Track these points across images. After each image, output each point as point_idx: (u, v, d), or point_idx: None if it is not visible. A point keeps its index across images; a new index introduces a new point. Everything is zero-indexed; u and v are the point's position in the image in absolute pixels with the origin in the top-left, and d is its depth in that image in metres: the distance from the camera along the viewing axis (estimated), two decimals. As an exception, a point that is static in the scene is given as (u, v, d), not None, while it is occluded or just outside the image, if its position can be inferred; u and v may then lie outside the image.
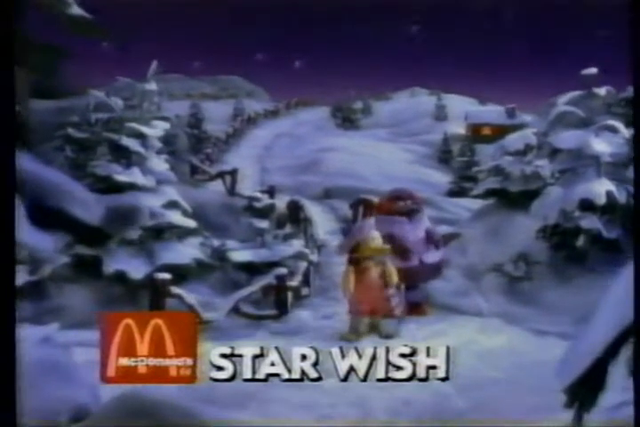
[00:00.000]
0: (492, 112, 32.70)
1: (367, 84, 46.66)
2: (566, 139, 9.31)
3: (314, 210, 13.03)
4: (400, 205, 7.75)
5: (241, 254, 9.47)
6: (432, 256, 7.94)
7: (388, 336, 6.81)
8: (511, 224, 11.52)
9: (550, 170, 11.83)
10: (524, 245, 10.20)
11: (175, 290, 7.92)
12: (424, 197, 8.25)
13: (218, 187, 18.14)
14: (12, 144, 3.87)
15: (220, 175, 18.34)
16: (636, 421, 3.56)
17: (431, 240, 7.85)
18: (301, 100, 48.72)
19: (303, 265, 9.56)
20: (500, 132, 29.48)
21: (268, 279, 8.54)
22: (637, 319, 3.17)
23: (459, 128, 31.97)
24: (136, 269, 8.60)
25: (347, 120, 36.56)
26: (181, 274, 8.81)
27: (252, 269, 9.46)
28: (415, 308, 7.91)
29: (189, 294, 8.08)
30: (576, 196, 8.97)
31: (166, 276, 7.95)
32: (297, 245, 9.69)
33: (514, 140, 12.52)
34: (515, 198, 12.12)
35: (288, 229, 10.88)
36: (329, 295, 9.30)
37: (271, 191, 15.56)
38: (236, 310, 8.14)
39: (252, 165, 23.45)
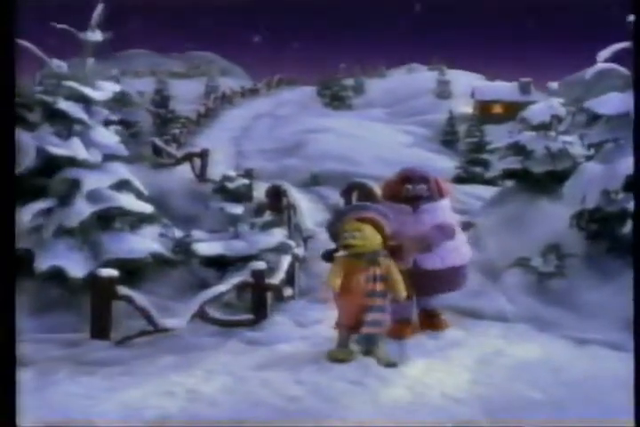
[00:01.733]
0: (504, 87, 32.01)
1: (360, 59, 46.69)
2: (607, 102, 8.57)
3: (299, 198, 12.16)
4: (406, 189, 6.61)
5: (209, 247, 8.76)
6: (434, 260, 6.53)
7: (388, 364, 5.90)
8: (536, 211, 10.88)
9: (584, 144, 11.14)
10: (554, 234, 9.62)
11: (124, 291, 7.18)
12: (444, 180, 7.12)
13: (186, 173, 17.45)
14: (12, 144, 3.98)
15: (188, 158, 17.63)
16: (636, 421, 3.63)
17: (439, 239, 6.42)
18: (284, 77, 48.75)
19: (286, 260, 8.86)
20: (514, 110, 28.86)
21: (242, 277, 7.73)
22: (637, 319, 3.21)
23: (465, 106, 31.43)
24: (76, 266, 7.96)
25: (336, 99, 35.77)
26: (134, 271, 8.25)
27: (223, 265, 8.89)
28: (428, 320, 6.98)
29: (143, 296, 7.37)
30: (620, 172, 8.23)
31: (113, 273, 7.19)
32: (279, 235, 8.94)
33: (537, 112, 11.77)
34: (539, 180, 11.50)
35: (267, 216, 10.06)
36: (317, 297, 8.59)
37: (248, 176, 14.71)
38: (201, 314, 7.43)
39: (226, 147, 22.89)
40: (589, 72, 8.60)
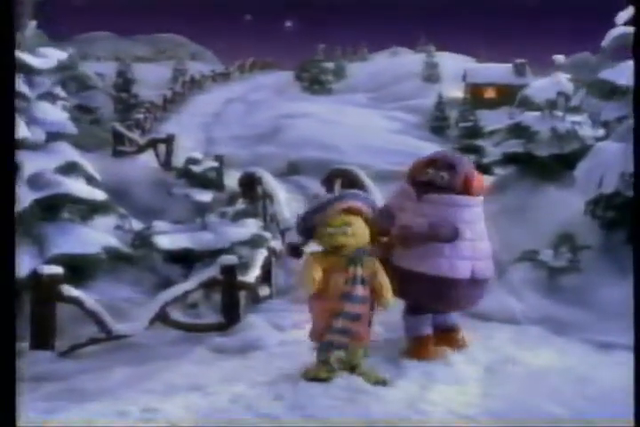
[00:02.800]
0: (497, 69, 31.54)
1: (340, 41, 46.22)
2: (627, 72, 8.02)
3: (276, 186, 11.59)
4: (426, 172, 5.64)
5: (173, 240, 8.28)
6: (489, 268, 5.80)
7: (377, 382, 5.26)
8: (542, 198, 10.50)
9: (594, 125, 10.73)
10: (564, 224, 9.35)
11: (71, 292, 6.75)
12: (481, 178, 5.96)
13: (150, 161, 17.02)
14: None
15: (152, 144, 17.52)
16: (636, 421, 3.67)
17: (423, 236, 5.58)
18: (258, 61, 48.12)
19: (261, 254, 8.37)
20: (508, 93, 28.58)
21: (210, 273, 7.15)
22: (637, 319, 3.38)
23: (455, 90, 30.94)
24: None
25: (315, 82, 35.19)
26: (84, 269, 7.92)
27: (190, 261, 8.39)
28: (447, 336, 6.15)
29: (94, 298, 6.98)
30: (642, 152, 7.68)
31: (57, 271, 6.76)
32: (253, 226, 8.42)
33: (542, 89, 11.30)
34: (544, 165, 11.09)
35: (240, 205, 9.52)
36: (298, 297, 7.66)
37: (219, 163, 14.14)
38: (163, 318, 6.97)
39: (195, 133, 22.31)
40: (607, 37, 8.12)
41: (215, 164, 9.11)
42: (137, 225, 9.18)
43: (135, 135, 19.24)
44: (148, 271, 8.88)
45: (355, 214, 5.35)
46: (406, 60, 39.77)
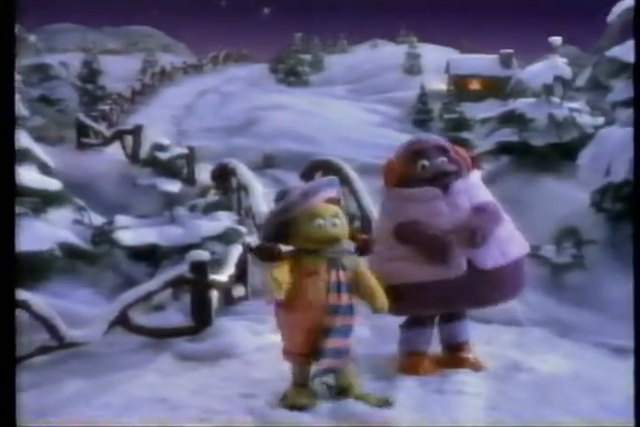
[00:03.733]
0: (482, 61, 31.12)
1: (318, 33, 45.74)
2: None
3: (252, 177, 11.01)
4: (422, 166, 4.96)
5: (137, 235, 7.75)
6: (493, 255, 5.06)
7: (380, 404, 4.65)
8: (539, 190, 10.13)
9: (592, 112, 10.37)
10: (567, 217, 9.13)
11: (19, 294, 6.21)
12: (462, 148, 5.34)
13: (117, 154, 16.54)
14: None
15: (119, 136, 17.01)
16: (637, 421, 3.72)
17: (490, 224, 4.95)
18: (232, 53, 47.66)
19: (236, 251, 7.84)
20: (493, 86, 28.35)
21: (178, 271, 6.60)
22: (637, 319, 3.61)
23: (438, 83, 30.56)
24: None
25: (291, 74, 34.65)
26: (35, 268, 7.47)
27: (156, 258, 7.72)
28: (454, 355, 5.44)
29: (45, 301, 6.50)
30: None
31: None
32: (226, 219, 7.82)
33: (538, 73, 10.82)
34: (541, 155, 10.67)
35: (212, 196, 8.96)
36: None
37: (189, 155, 13.59)
38: (124, 322, 6.44)
39: (165, 126, 21.86)
40: (614, 12, 7.66)
41: (184, 150, 8.51)
42: (100, 221, 8.58)
43: (101, 127, 18.82)
44: (109, 270, 8.40)
45: (338, 205, 4.71)
46: (387, 52, 39.47)
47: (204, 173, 13.75)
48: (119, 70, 37.15)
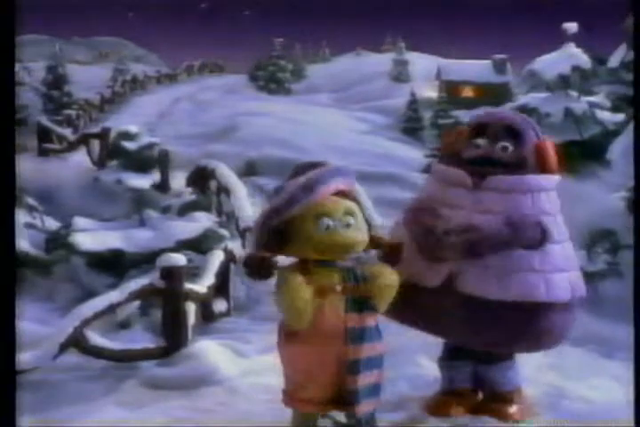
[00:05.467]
0: (474, 66, 30.67)
1: (299, 41, 45.35)
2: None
3: (234, 180, 10.23)
4: (474, 144, 4.07)
5: (98, 240, 6.95)
6: (486, 282, 4.05)
7: None
8: (561, 191, 9.35)
9: (612, 106, 9.71)
10: (596, 220, 8.40)
11: None
12: (553, 144, 4.26)
13: (83, 161, 15.98)
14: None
15: (84, 140, 16.38)
16: (637, 421, 3.78)
17: (506, 239, 3.99)
18: (208, 62, 47.15)
19: (217, 258, 7.10)
20: (486, 93, 27.90)
21: (147, 279, 5.79)
22: (637, 319, 3.80)
23: (427, 90, 30.07)
24: None
25: (272, 81, 34.04)
26: None
27: (120, 266, 6.95)
28: (494, 407, 4.50)
29: None
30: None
31: None
32: (205, 220, 6.94)
33: (552, 63, 10.10)
34: (559, 153, 9.95)
35: (188, 195, 8.15)
36: (266, 315, 7.17)
37: (163, 159, 12.76)
38: (79, 342, 5.61)
39: None
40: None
41: (155, 139, 7.71)
42: (52, 223, 7.75)
43: (65, 131, 18.11)
44: (65, 281, 7.63)
45: (351, 199, 3.74)
46: (373, 60, 39.27)
47: (178, 180, 13.29)
48: (88, 79, 36.53)
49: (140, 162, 7.31)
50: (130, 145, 7.34)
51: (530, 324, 3.96)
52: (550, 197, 4.10)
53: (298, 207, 3.56)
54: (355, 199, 3.81)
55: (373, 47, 47.15)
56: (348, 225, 3.55)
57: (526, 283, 3.88)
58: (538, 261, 3.90)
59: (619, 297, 7.24)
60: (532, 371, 5.48)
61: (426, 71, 32.40)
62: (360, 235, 3.60)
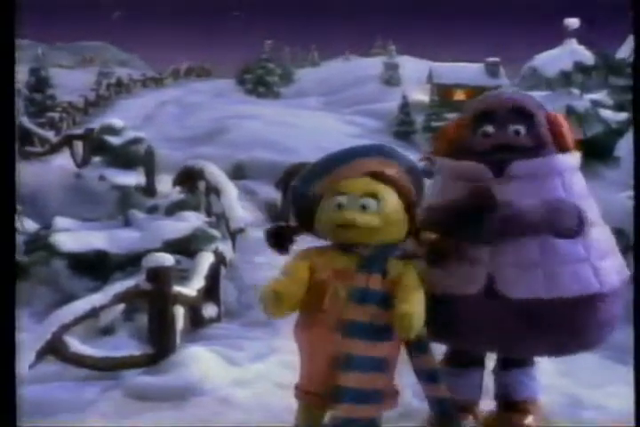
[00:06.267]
0: (467, 69, 30.50)
1: (287, 44, 45.22)
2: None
3: (224, 179, 9.95)
4: (482, 132, 3.72)
5: (80, 240, 6.59)
6: (529, 281, 3.68)
7: None
8: None
9: (615, 105, 9.49)
10: (605, 221, 7.74)
11: None
12: (564, 118, 4.00)
13: (67, 164, 15.70)
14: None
15: (67, 142, 16.05)
16: (637, 421, 3.81)
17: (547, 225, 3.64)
18: (194, 66, 46.92)
19: (207, 260, 6.79)
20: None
21: (132, 282, 5.49)
22: (637, 318, 3.58)
23: (419, 94, 29.90)
24: None
25: (261, 84, 33.79)
26: None
27: (104, 268, 6.61)
28: (507, 418, 4.20)
29: None
30: None
31: None
32: (194, 219, 6.63)
33: (553, 59, 9.85)
34: None
35: (176, 194, 7.83)
36: (259, 320, 6.90)
37: (148, 160, 12.44)
38: (57, 349, 5.27)
39: None
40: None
41: (141, 134, 7.39)
42: (31, 224, 7.43)
43: (47, 134, 17.89)
44: (44, 284, 7.31)
45: (387, 184, 3.43)
46: (363, 63, 39.12)
47: (165, 183, 13.07)
48: (72, 82, 36.34)
49: (124, 158, 7.02)
50: (114, 140, 7.06)
51: (590, 318, 3.65)
52: (579, 177, 3.83)
53: (319, 183, 3.43)
54: (394, 184, 3.46)
55: (363, 51, 47.08)
56: (364, 207, 3.27)
57: (576, 275, 3.57)
58: (583, 250, 3.60)
59: (630, 299, 7.00)
60: (545, 378, 5.26)
61: (417, 74, 32.24)
62: (377, 220, 3.29)
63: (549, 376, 5.28)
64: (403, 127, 24.80)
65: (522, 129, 3.66)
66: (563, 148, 3.74)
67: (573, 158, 3.80)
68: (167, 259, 5.44)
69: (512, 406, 4.15)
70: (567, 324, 3.61)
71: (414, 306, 3.23)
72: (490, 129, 3.70)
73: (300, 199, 3.52)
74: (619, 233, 7.22)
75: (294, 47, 44.46)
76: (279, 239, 3.48)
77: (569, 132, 3.80)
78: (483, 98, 4.02)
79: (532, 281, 3.54)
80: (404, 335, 3.26)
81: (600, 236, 3.75)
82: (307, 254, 3.42)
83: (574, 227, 3.61)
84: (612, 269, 3.74)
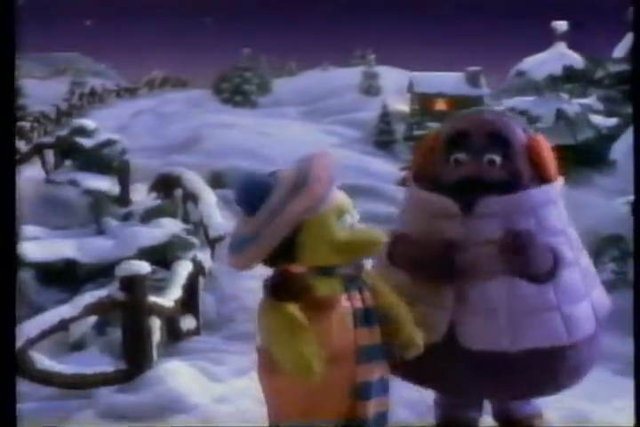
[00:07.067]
0: (447, 78, 30.48)
1: (264, 54, 45.11)
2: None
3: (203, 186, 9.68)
4: (454, 160, 3.37)
5: (49, 248, 6.14)
6: (494, 333, 3.40)
7: None
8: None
9: (605, 109, 9.37)
10: (601, 229, 7.86)
11: None
12: (539, 139, 3.47)
13: (36, 174, 15.34)
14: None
15: (38, 151, 15.70)
16: (637, 421, 3.81)
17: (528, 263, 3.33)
18: (170, 77, 46.74)
19: (185, 268, 6.50)
20: (461, 106, 27.51)
21: (104, 292, 5.18)
22: (637, 318, 3.56)
23: (399, 104, 29.87)
24: None
25: (237, 93, 33.59)
26: None
27: (74, 279, 6.27)
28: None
29: None
30: None
31: None
32: (171, 225, 6.34)
33: (543, 62, 9.68)
34: None
35: (151, 200, 7.53)
36: (240, 333, 6.89)
37: (123, 170, 12.12)
38: (22, 366, 4.98)
39: None
40: None
41: (115, 136, 7.08)
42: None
43: (18, 144, 17.46)
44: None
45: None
46: (341, 73, 39.17)
47: (140, 193, 12.80)
48: (44, 93, 36.04)
49: (97, 161, 6.70)
50: (86, 142, 6.73)
51: (555, 368, 3.36)
52: (558, 210, 3.43)
53: (326, 202, 2.95)
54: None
55: (341, 61, 47.12)
56: (358, 222, 3.03)
57: (543, 326, 3.26)
58: (553, 295, 3.27)
59: (628, 308, 6.84)
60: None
61: (397, 84, 32.28)
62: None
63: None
64: (383, 137, 24.72)
65: (497, 158, 3.29)
66: (542, 178, 3.38)
67: (553, 189, 3.44)
68: (142, 267, 5.13)
69: (515, 424, 3.87)
70: (535, 374, 3.35)
71: (412, 323, 3.11)
72: (462, 157, 3.35)
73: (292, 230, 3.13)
74: (617, 239, 7.13)
75: (271, 56, 44.38)
76: (296, 291, 2.95)
77: (551, 159, 3.41)
78: (460, 118, 3.62)
79: (495, 332, 3.27)
80: (413, 353, 3.11)
81: (579, 273, 3.40)
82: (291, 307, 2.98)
83: (548, 270, 3.27)
84: (588, 312, 3.40)
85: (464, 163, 3.33)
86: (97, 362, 5.80)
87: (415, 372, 3.43)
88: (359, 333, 2.98)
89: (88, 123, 7.24)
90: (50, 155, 15.15)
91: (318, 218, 2.96)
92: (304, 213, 2.88)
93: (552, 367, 3.33)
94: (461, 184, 3.32)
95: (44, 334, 5.04)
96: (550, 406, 4.67)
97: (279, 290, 2.88)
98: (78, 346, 6.01)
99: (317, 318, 2.94)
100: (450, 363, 3.32)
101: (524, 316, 3.26)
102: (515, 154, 3.32)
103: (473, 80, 28.77)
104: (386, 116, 25.12)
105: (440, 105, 27.74)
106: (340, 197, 3.02)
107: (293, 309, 2.89)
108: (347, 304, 2.99)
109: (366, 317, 3.01)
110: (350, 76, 35.98)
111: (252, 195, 2.93)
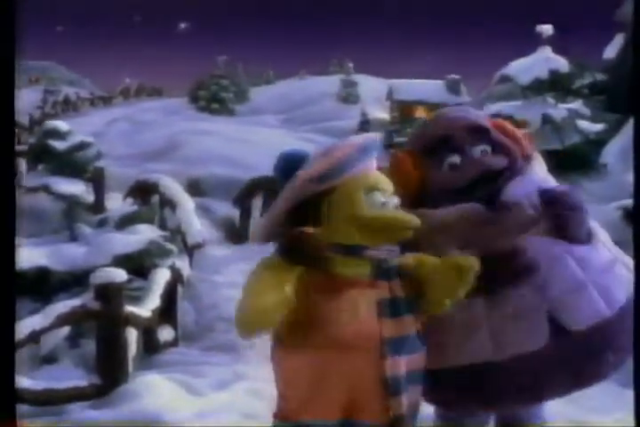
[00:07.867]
0: (427, 86, 30.46)
1: (241, 62, 44.98)
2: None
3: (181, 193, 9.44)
4: (448, 165, 3.24)
5: (19, 257, 5.67)
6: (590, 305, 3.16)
7: None
8: None
9: (592, 114, 9.28)
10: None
11: None
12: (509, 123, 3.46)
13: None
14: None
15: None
16: (637, 421, 3.56)
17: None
18: (145, 85, 46.46)
19: (162, 277, 6.27)
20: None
21: (78, 301, 4.95)
22: (637, 318, 3.13)
23: (378, 112, 29.81)
24: None
25: (214, 100, 33.35)
26: None
27: (45, 288, 6.02)
28: None
29: None
30: None
31: None
32: (148, 232, 6.10)
33: (528, 66, 9.58)
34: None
35: (128, 206, 7.30)
36: (220, 344, 6.73)
37: (98, 178, 11.82)
38: None
39: None
40: None
41: (89, 138, 6.85)
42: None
43: None
44: None
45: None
46: (319, 81, 39.07)
47: (115, 201, 12.52)
48: (17, 102, 35.49)
49: (70, 165, 6.43)
50: (59, 144, 6.47)
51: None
52: (553, 180, 3.38)
53: (345, 176, 2.79)
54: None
55: (319, 70, 47.09)
56: (396, 207, 2.84)
57: (531, 330, 3.11)
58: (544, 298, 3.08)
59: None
60: (549, 404, 4.97)
61: (375, 92, 32.23)
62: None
63: (555, 402, 5.00)
64: (363, 145, 24.59)
65: (487, 148, 3.19)
66: (525, 153, 3.28)
67: (541, 160, 3.37)
68: (118, 275, 4.90)
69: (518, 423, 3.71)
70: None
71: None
72: (456, 159, 3.22)
73: (302, 200, 2.94)
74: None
75: (248, 64, 44.27)
76: (303, 248, 2.83)
77: (519, 133, 3.36)
78: (431, 122, 3.44)
79: (475, 345, 3.09)
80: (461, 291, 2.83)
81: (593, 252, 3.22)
82: (280, 263, 2.85)
83: (589, 228, 3.18)
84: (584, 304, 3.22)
85: (461, 164, 3.19)
86: (69, 376, 5.57)
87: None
88: (384, 324, 2.77)
89: (61, 125, 6.98)
90: (22, 164, 14.85)
91: (344, 188, 2.78)
92: (320, 178, 2.72)
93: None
94: (475, 183, 3.17)
95: (16, 349, 4.82)
96: (552, 418, 4.59)
97: (287, 249, 2.67)
98: (50, 359, 5.76)
99: (332, 299, 2.74)
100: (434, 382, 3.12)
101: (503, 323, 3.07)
102: (497, 137, 3.24)
103: (453, 88, 28.81)
104: (365, 124, 25.04)
105: (420, 112, 27.68)
106: (373, 174, 2.86)
107: (282, 268, 2.68)
108: (370, 291, 2.79)
109: (393, 308, 2.81)
110: (328, 84, 35.90)
111: (288, 165, 2.84)
